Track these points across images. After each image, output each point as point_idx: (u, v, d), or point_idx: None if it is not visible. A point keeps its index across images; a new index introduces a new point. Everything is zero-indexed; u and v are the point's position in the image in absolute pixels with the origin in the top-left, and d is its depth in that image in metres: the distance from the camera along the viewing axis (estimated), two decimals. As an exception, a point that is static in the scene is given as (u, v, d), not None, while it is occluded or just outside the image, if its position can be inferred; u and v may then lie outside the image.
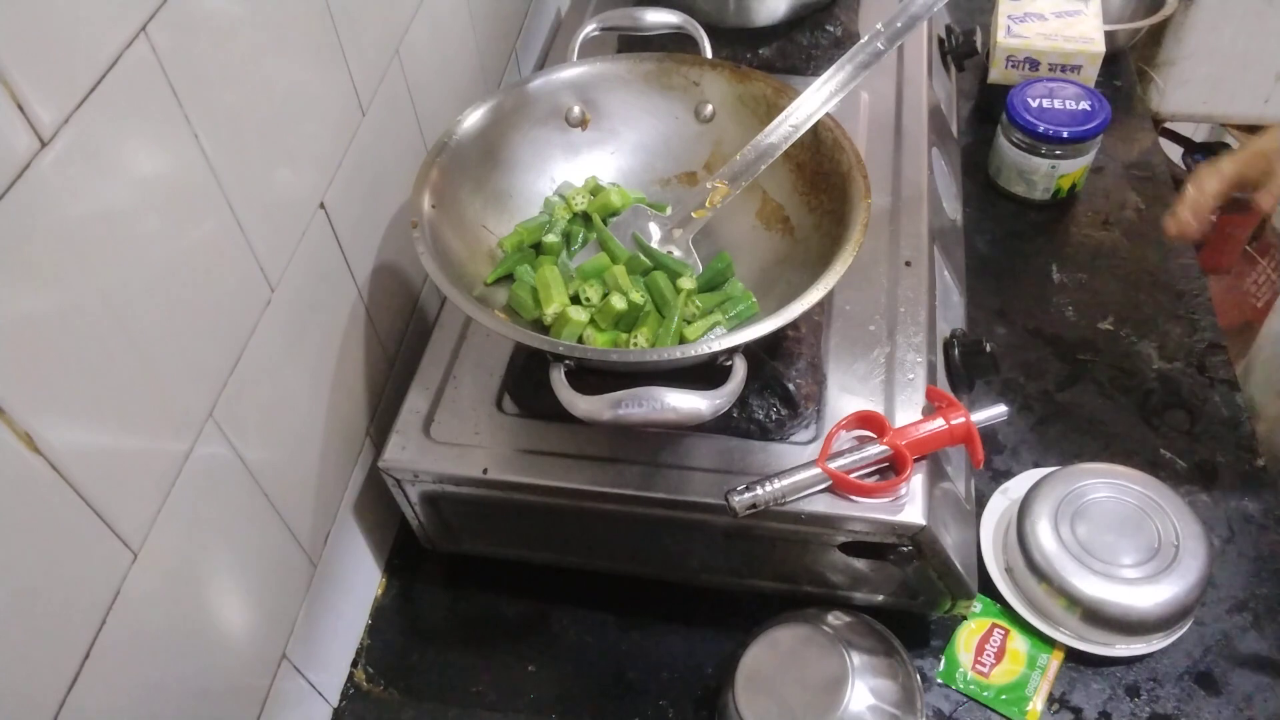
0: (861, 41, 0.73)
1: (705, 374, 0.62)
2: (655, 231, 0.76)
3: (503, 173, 0.79)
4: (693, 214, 0.75)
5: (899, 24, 0.71)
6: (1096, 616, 0.73)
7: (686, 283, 0.72)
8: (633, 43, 0.96)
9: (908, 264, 0.80)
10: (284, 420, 0.66)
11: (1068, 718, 0.73)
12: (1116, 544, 0.74)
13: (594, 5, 1.09)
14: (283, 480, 0.66)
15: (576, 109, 0.81)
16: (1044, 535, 0.75)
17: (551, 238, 0.76)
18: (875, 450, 0.67)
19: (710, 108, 0.80)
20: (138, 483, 0.51)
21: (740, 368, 0.62)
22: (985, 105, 1.21)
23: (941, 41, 1.12)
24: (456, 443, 0.71)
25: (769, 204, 0.78)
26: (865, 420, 0.69)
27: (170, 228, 0.52)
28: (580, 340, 0.70)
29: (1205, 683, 0.74)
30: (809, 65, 0.98)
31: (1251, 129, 1.60)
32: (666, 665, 0.77)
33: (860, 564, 0.71)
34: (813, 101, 0.72)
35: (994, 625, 0.77)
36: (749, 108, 0.78)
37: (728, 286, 0.74)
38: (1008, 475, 0.86)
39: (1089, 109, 1.03)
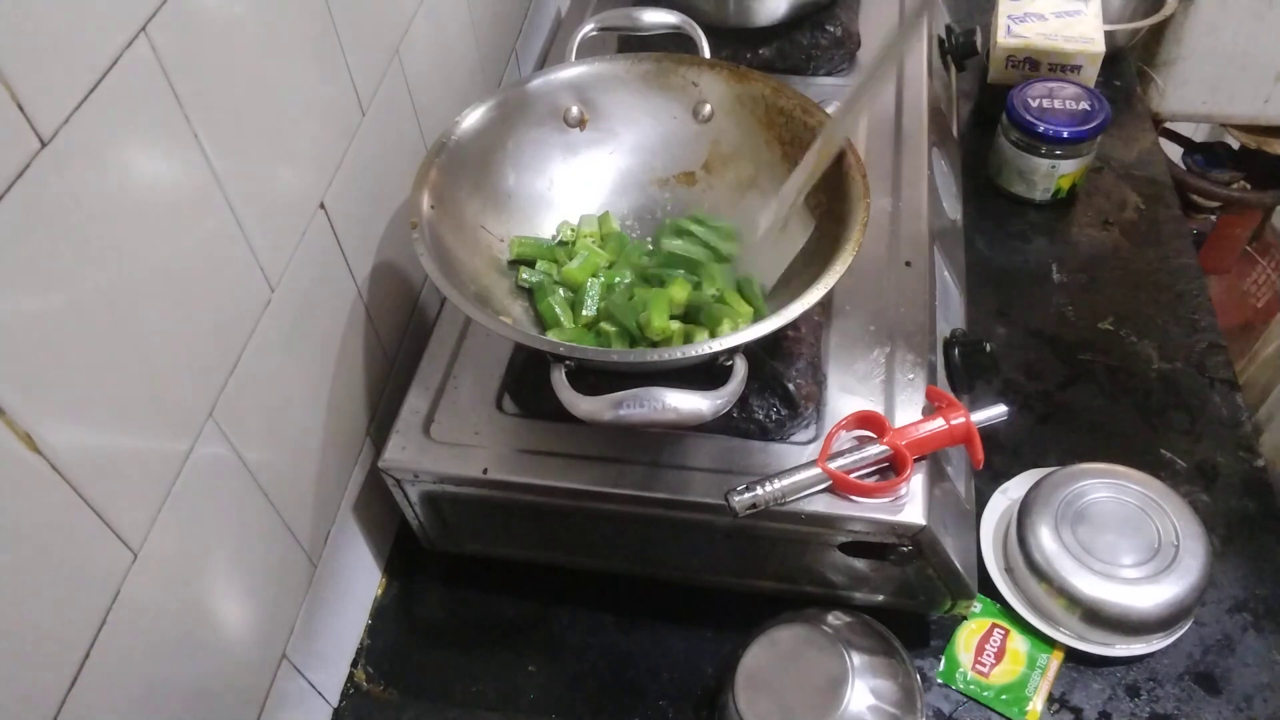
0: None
1: (706, 374, 0.62)
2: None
3: (502, 173, 0.79)
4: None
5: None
6: (1096, 616, 0.73)
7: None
8: (632, 43, 0.96)
9: (908, 264, 0.80)
10: (284, 420, 0.66)
11: (1068, 718, 0.73)
12: (1116, 544, 0.74)
13: (594, 5, 1.09)
14: (283, 480, 0.66)
15: (575, 109, 0.81)
16: (1044, 535, 0.75)
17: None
18: (875, 450, 0.67)
19: (709, 108, 0.80)
20: (138, 483, 0.51)
21: (741, 368, 0.62)
22: (985, 105, 1.21)
23: (941, 41, 1.12)
24: (456, 443, 0.71)
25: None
26: (865, 420, 0.69)
27: (170, 228, 0.52)
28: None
29: (1205, 683, 0.74)
30: (809, 65, 0.98)
31: (1252, 129, 1.60)
32: (666, 665, 0.77)
33: (860, 564, 0.71)
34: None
35: (994, 625, 0.77)
36: (747, 108, 0.78)
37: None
38: (1008, 475, 0.85)
39: (1089, 109, 1.03)
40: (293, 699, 0.70)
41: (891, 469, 0.67)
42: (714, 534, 0.72)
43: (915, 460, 0.67)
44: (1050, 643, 0.76)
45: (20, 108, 0.41)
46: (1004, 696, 0.74)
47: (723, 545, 0.73)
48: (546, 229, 0.80)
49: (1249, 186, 1.67)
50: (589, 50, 0.84)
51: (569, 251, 0.78)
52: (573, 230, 0.80)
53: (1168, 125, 1.67)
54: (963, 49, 1.11)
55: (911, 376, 0.72)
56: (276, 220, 0.62)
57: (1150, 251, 1.05)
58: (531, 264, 0.77)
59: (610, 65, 0.81)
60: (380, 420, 0.80)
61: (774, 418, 0.70)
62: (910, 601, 0.74)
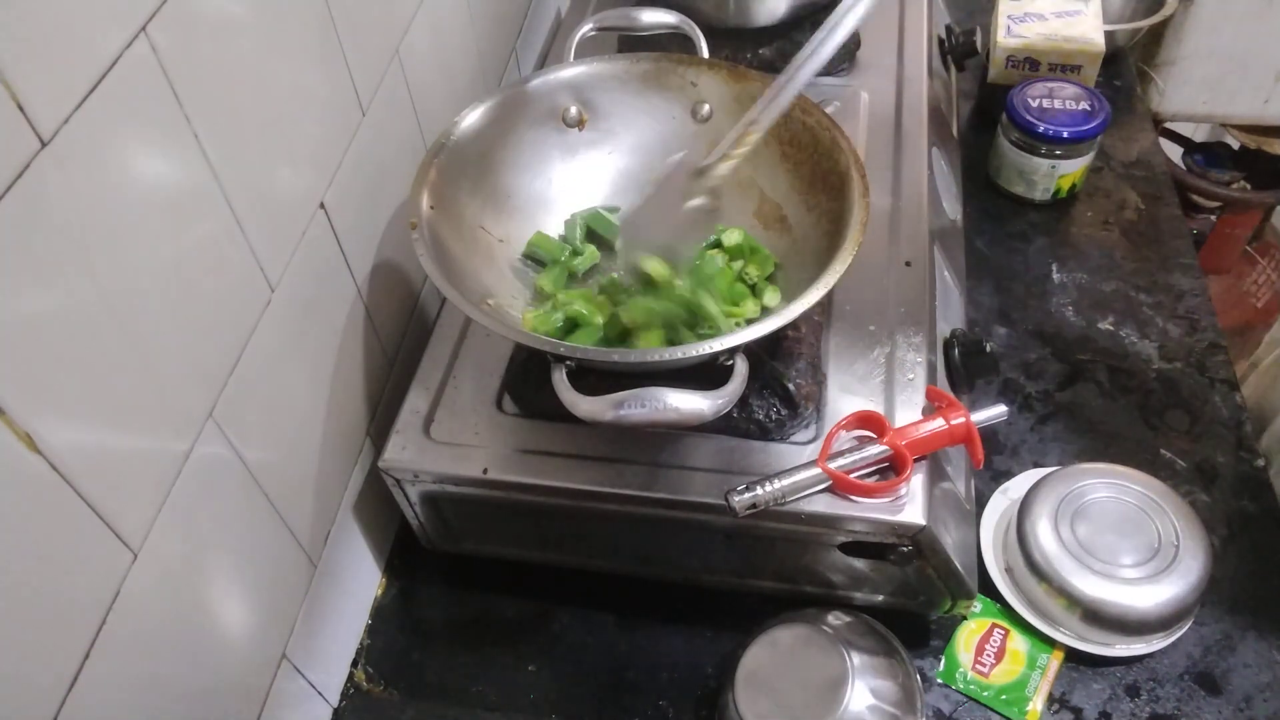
0: None
1: (706, 374, 0.62)
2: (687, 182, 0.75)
3: (501, 173, 0.79)
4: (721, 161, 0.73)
5: None
6: (1096, 616, 0.73)
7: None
8: (633, 43, 0.96)
9: (908, 264, 0.80)
10: (284, 420, 0.66)
11: (1068, 718, 0.73)
12: (1116, 544, 0.74)
13: (593, 5, 1.09)
14: (283, 480, 0.66)
15: (573, 109, 0.81)
16: (1044, 535, 0.75)
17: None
18: (875, 450, 0.67)
19: (707, 108, 0.80)
20: (138, 483, 0.51)
21: (741, 368, 0.62)
22: (985, 105, 1.21)
23: (941, 41, 1.12)
24: (456, 443, 0.71)
25: (767, 203, 0.78)
26: (865, 420, 0.69)
27: (170, 228, 0.52)
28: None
29: (1205, 683, 0.74)
30: (809, 65, 0.98)
31: (1252, 129, 1.60)
32: (666, 665, 0.77)
33: (860, 564, 0.71)
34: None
35: (994, 625, 0.77)
36: (746, 108, 0.78)
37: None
38: (1008, 475, 0.86)
39: (1089, 109, 1.03)
40: (293, 699, 0.70)
41: (891, 469, 0.67)
42: (714, 534, 0.72)
43: (915, 460, 0.67)
44: (1050, 643, 0.76)
45: (20, 108, 0.41)
46: (1004, 696, 0.74)
47: (723, 545, 0.73)
48: (546, 229, 0.80)
49: (1249, 186, 1.67)
50: (588, 50, 0.84)
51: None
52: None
53: (1168, 125, 1.67)
54: (963, 49, 1.11)
55: (911, 376, 0.72)
56: (276, 220, 0.62)
57: (1150, 251, 1.05)
58: (543, 262, 0.78)
59: (609, 65, 0.81)
60: (380, 420, 0.80)
61: (774, 418, 0.70)
62: (910, 601, 0.74)
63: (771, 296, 0.75)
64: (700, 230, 0.76)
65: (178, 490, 0.53)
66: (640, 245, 0.75)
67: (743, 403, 0.69)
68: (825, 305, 0.77)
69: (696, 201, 0.73)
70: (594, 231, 0.80)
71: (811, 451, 0.69)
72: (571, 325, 0.73)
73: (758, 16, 0.98)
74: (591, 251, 0.79)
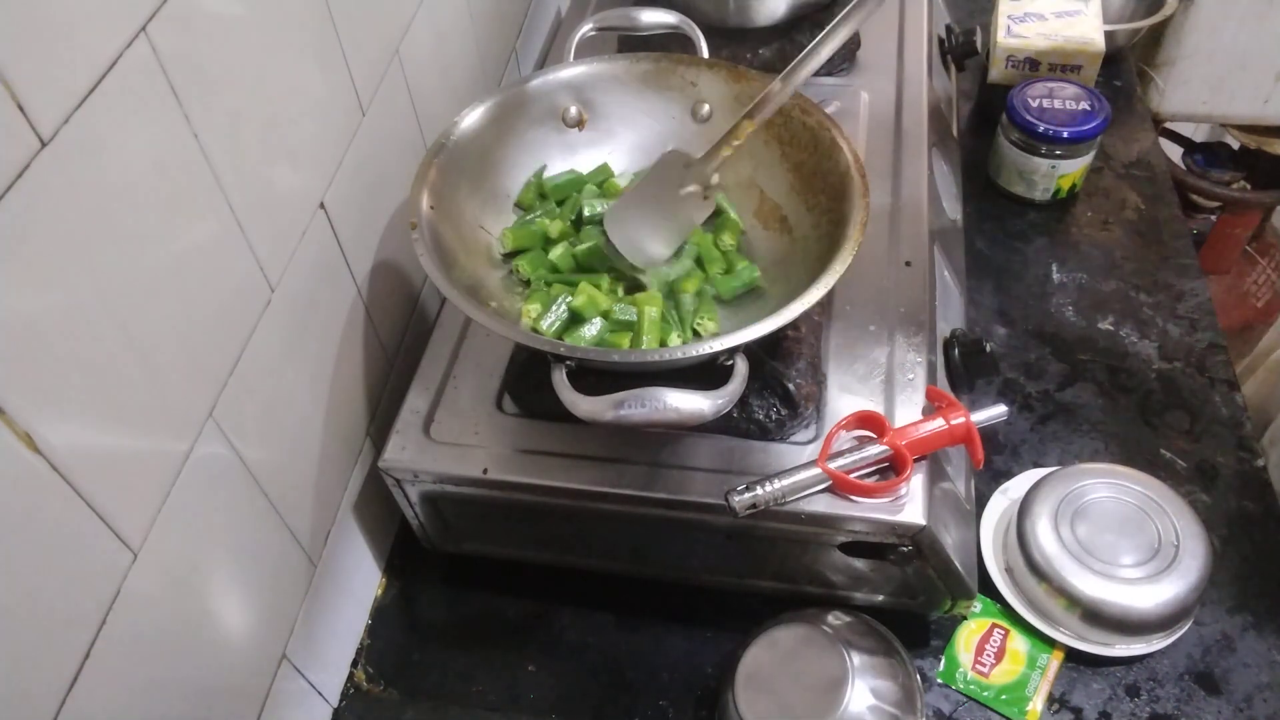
0: None
1: (707, 374, 0.62)
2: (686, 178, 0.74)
3: (500, 173, 0.79)
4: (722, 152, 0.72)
5: None
6: (1096, 616, 0.73)
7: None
8: (633, 43, 0.96)
9: (908, 264, 0.80)
10: (284, 420, 0.66)
11: (1068, 718, 0.73)
12: (1116, 544, 0.74)
13: (593, 5, 1.09)
14: (283, 480, 0.66)
15: (573, 109, 0.81)
16: (1044, 535, 0.75)
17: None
18: (875, 450, 0.67)
19: (707, 108, 0.80)
20: (138, 483, 0.51)
21: (742, 368, 0.62)
22: (985, 105, 1.21)
23: (941, 41, 1.12)
24: (456, 443, 0.71)
25: (767, 203, 0.78)
26: (865, 420, 0.69)
27: (170, 228, 0.52)
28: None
29: (1205, 683, 0.74)
30: (809, 65, 0.98)
31: (1252, 129, 1.60)
32: (666, 665, 0.77)
33: (860, 564, 0.71)
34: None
35: (994, 625, 0.77)
36: (746, 107, 0.78)
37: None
38: (1008, 475, 0.86)
39: (1089, 109, 1.03)
40: (293, 699, 0.70)
41: (891, 469, 0.67)
42: (714, 534, 0.72)
43: (915, 460, 0.67)
44: (1050, 643, 0.76)
45: (20, 108, 0.41)
46: (1004, 696, 0.74)
47: (723, 545, 0.73)
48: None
49: (1249, 186, 1.67)
50: (589, 50, 0.84)
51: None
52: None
53: (1168, 125, 1.67)
54: (963, 49, 1.11)
55: (911, 376, 0.72)
56: (276, 220, 0.62)
57: (1150, 251, 1.05)
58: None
59: (609, 65, 0.81)
60: (380, 420, 0.80)
61: (774, 418, 0.70)
62: (910, 601, 0.74)
63: (708, 325, 0.72)
64: (689, 216, 0.75)
65: (178, 490, 0.54)
66: (626, 228, 0.74)
67: (743, 403, 0.69)
68: (825, 305, 0.77)
69: (689, 189, 0.73)
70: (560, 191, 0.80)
71: (811, 451, 0.69)
72: (575, 317, 0.72)
73: (758, 16, 0.98)
74: (559, 213, 0.78)
